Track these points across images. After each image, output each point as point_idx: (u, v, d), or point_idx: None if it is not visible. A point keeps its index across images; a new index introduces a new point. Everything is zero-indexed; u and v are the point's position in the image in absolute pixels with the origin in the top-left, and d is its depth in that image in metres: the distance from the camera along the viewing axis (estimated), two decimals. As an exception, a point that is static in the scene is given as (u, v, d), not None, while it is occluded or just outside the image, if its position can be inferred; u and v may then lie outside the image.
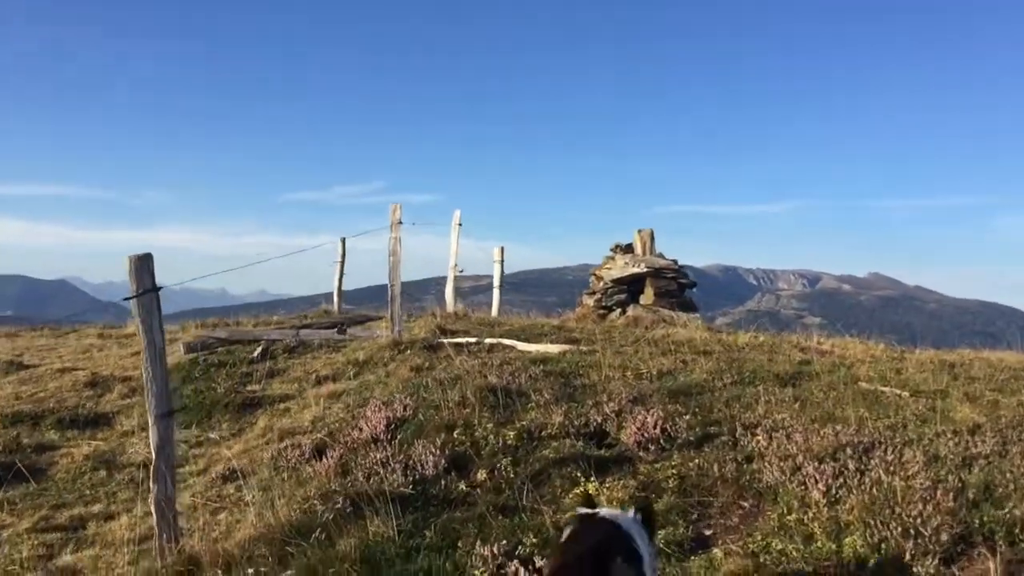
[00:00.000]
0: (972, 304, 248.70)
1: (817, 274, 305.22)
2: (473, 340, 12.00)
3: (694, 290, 16.59)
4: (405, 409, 7.77)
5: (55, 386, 11.57)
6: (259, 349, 12.52)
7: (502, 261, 21.56)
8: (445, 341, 11.97)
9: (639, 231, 16.83)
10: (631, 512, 3.85)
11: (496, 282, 21.31)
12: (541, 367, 9.20)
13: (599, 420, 7.28)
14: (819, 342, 13.22)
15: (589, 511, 3.90)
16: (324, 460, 7.01)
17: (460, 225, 15.48)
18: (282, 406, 9.72)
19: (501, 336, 12.43)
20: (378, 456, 6.67)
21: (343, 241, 23.84)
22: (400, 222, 11.51)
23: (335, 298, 23.52)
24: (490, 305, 20.55)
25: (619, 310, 15.74)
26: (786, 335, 13.64)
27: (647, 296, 15.79)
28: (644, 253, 16.55)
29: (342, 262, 23.72)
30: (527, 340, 12.09)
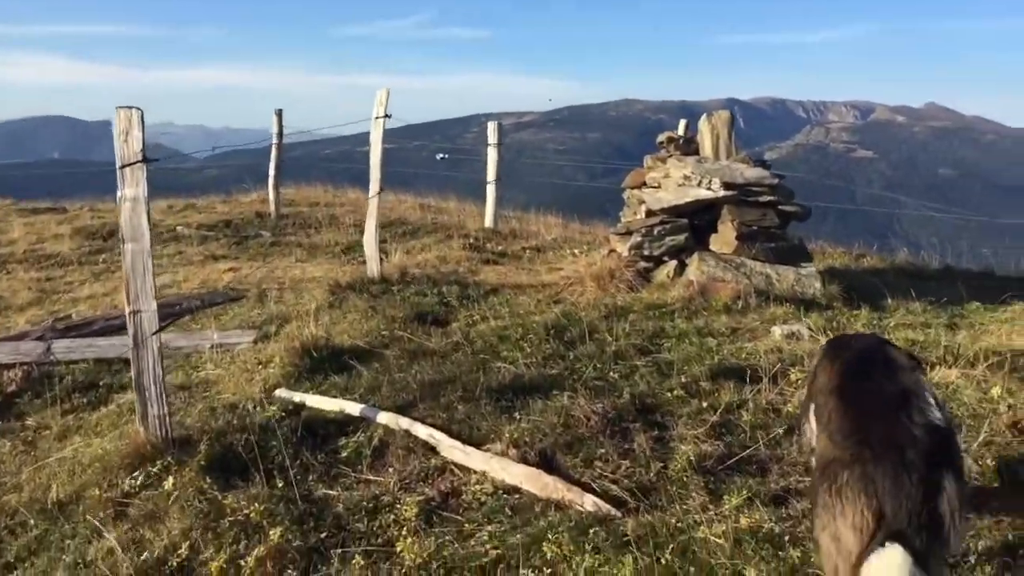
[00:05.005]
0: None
1: (870, 105, 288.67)
2: (358, 410, 5.40)
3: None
4: None
5: None
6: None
7: (499, 143, 14.71)
8: (298, 399, 5.44)
9: (708, 117, 9.71)
10: None
11: (491, 175, 14.50)
12: None
13: None
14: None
15: None
16: None
17: (387, 116, 8.51)
18: None
19: (416, 409, 5.84)
20: None
21: (279, 114, 16.96)
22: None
23: (270, 192, 16.90)
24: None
25: (674, 263, 8.89)
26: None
27: (723, 238, 8.90)
28: (717, 155, 9.51)
29: (279, 141, 16.93)
30: (461, 405, 5.48)
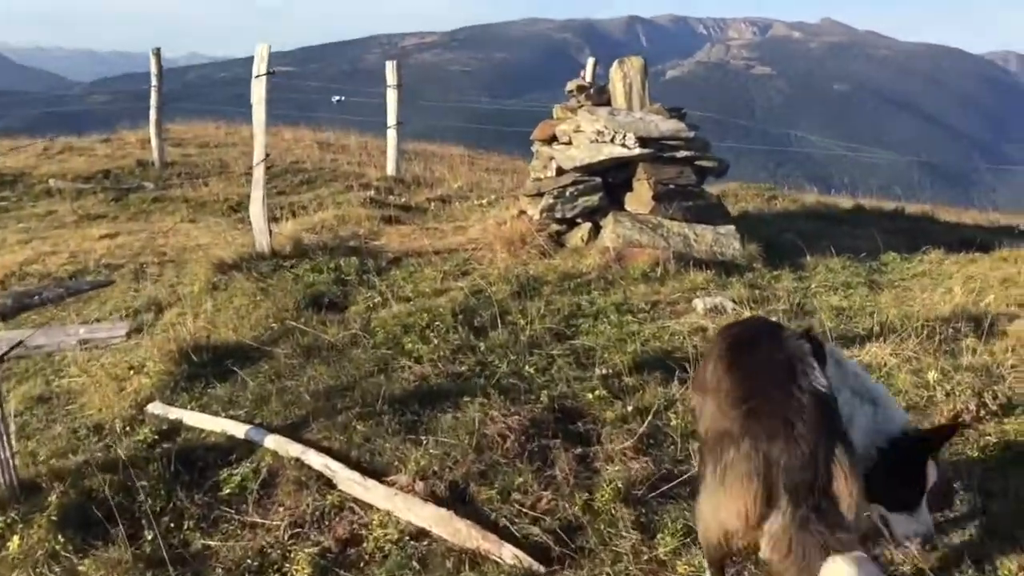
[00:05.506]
0: (922, 48, 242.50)
1: (769, 21, 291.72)
2: (243, 432, 4.76)
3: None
4: None
5: None
6: None
7: (399, 84, 13.85)
8: (174, 416, 4.76)
9: (620, 64, 9.10)
10: None
11: (392, 119, 13.68)
12: None
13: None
14: None
15: None
16: None
17: (270, 74, 7.60)
18: None
19: (310, 428, 5.23)
20: None
21: (157, 54, 15.58)
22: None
23: (153, 138, 15.62)
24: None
25: (588, 226, 8.39)
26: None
27: (639, 197, 8.42)
28: (630, 105, 8.95)
29: (159, 83, 15.61)
30: (365, 444, 4.89)
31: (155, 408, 5.16)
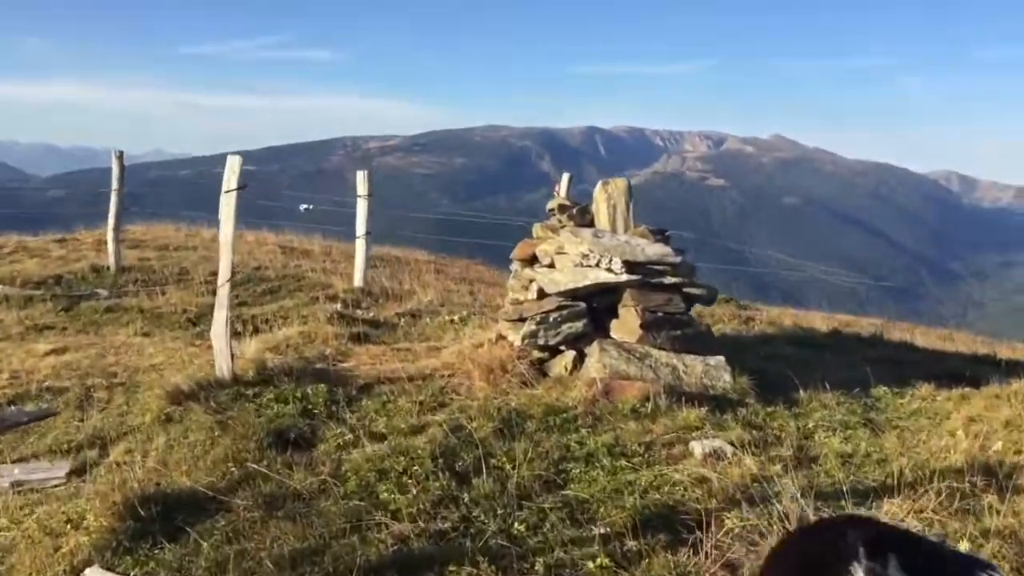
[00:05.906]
0: (867, 166, 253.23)
1: (722, 135, 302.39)
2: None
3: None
4: None
5: None
6: None
7: (369, 194, 13.57)
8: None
9: (604, 185, 8.83)
10: None
11: (361, 229, 13.32)
12: None
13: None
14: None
15: None
16: None
17: (240, 188, 7.15)
18: None
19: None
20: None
21: (120, 157, 15.15)
22: None
23: (110, 243, 15.01)
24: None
25: (572, 354, 7.93)
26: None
27: (626, 325, 8.00)
28: (614, 227, 8.65)
29: (120, 185, 15.12)
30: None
31: (93, 574, 4.48)
